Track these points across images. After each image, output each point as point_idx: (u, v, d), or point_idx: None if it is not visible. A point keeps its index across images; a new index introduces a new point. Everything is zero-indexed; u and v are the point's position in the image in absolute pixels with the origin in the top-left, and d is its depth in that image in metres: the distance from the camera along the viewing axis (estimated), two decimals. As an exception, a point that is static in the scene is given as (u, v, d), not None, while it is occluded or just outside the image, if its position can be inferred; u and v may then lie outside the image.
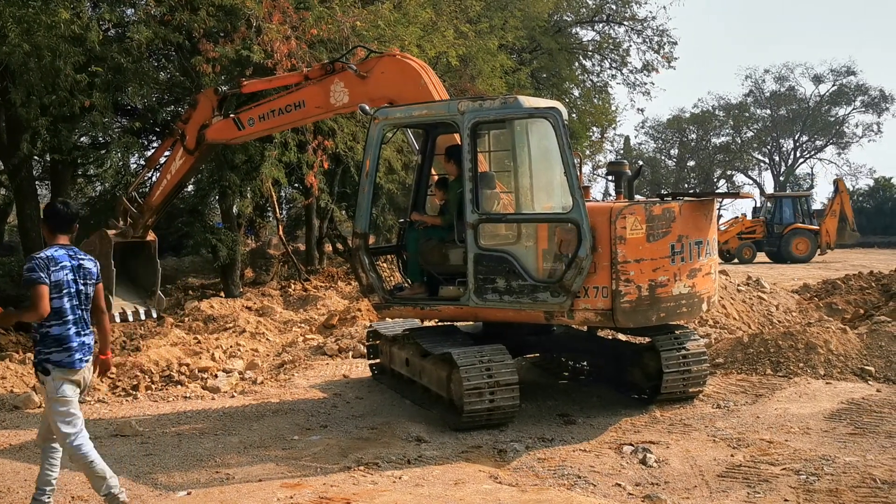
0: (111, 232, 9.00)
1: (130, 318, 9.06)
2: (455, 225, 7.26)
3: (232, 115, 8.51)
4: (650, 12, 45.11)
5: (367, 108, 7.54)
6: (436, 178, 8.32)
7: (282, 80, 8.96)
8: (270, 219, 24.57)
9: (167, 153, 9.26)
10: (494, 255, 6.90)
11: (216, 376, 9.29)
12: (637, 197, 7.94)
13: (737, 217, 31.64)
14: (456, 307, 7.22)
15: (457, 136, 8.02)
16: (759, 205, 31.92)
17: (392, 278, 11.70)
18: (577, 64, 27.83)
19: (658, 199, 7.05)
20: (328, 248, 24.22)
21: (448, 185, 7.78)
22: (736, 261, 28.19)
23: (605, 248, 6.53)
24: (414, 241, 7.83)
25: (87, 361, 4.92)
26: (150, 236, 9.34)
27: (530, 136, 7.39)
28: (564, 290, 6.60)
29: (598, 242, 6.52)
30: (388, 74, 7.78)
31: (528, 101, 7.10)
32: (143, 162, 10.46)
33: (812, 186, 56.88)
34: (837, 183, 30.70)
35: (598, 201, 8.53)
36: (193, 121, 8.70)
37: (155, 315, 9.51)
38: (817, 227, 28.51)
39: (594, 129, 29.00)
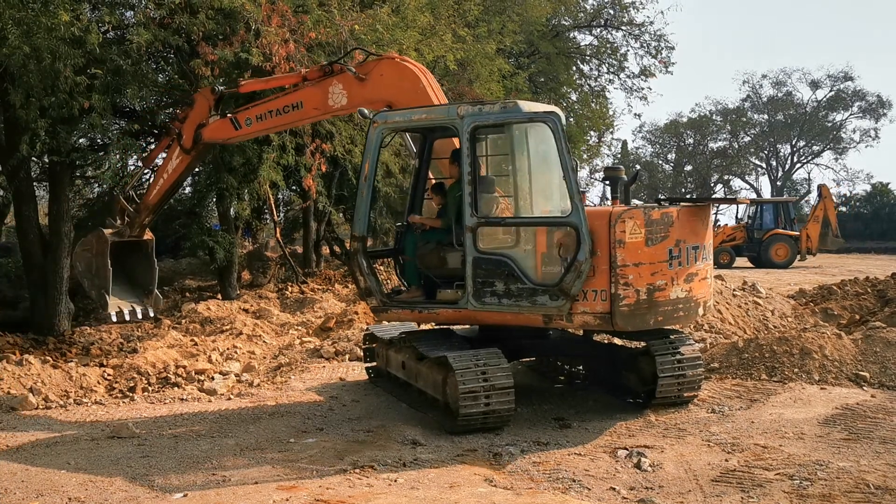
0: (108, 231, 9.03)
1: (127, 318, 9.10)
2: (453, 228, 7.29)
3: (229, 115, 8.52)
4: (648, 17, 45.34)
5: (366, 111, 7.56)
6: (433, 182, 8.35)
7: (279, 81, 8.96)
8: (268, 221, 24.57)
9: (164, 152, 9.28)
10: (493, 258, 6.93)
11: (213, 378, 9.30)
12: (634, 201, 7.98)
13: (717, 225, 31.50)
14: (454, 310, 7.24)
15: (455, 140, 8.07)
16: (741, 212, 31.83)
17: (389, 281, 11.72)
18: (574, 68, 27.93)
19: (656, 203, 7.09)
20: (325, 250, 24.25)
21: (445, 189, 7.81)
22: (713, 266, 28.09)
23: (604, 252, 6.56)
24: (412, 244, 7.85)
25: None
26: (147, 235, 9.37)
27: (529, 140, 7.42)
28: (563, 293, 6.63)
29: (597, 246, 6.55)
30: (387, 77, 7.80)
31: (528, 106, 7.13)
32: (140, 164, 10.50)
33: (809, 192, 57.00)
34: (821, 189, 30.77)
35: (595, 205, 8.57)
36: (190, 120, 8.72)
37: (152, 314, 9.53)
38: (797, 233, 28.51)
39: (592, 133, 29.11)
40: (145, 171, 10.86)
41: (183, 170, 8.93)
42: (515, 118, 7.07)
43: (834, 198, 34.01)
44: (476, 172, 6.99)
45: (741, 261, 28.81)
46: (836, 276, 19.95)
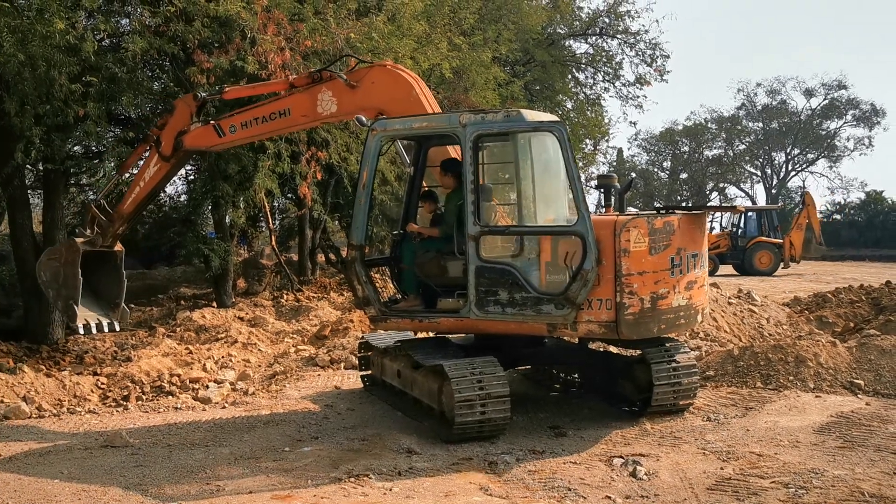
0: (79, 240, 8.78)
1: (94, 331, 8.85)
2: (455, 237, 7.27)
3: (212, 122, 8.36)
4: (643, 26, 45.24)
5: (364, 119, 7.48)
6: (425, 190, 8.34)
7: (266, 88, 8.85)
8: (263, 229, 24.51)
9: (142, 160, 9.01)
10: (497, 267, 6.90)
11: (207, 387, 9.27)
12: (629, 209, 8.00)
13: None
14: (455, 319, 7.19)
15: (450, 148, 8.06)
16: (725, 220, 31.86)
17: (384, 290, 11.70)
18: (570, 76, 27.96)
19: (655, 212, 7.11)
20: (321, 258, 24.20)
21: (436, 197, 7.80)
22: None
23: (609, 261, 6.59)
24: (410, 252, 7.81)
25: None
26: (118, 246, 9.12)
27: (532, 149, 7.40)
28: (569, 302, 6.63)
29: (602, 255, 6.58)
30: (379, 85, 7.73)
31: (532, 115, 7.15)
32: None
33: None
34: (804, 196, 30.91)
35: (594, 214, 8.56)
36: (170, 127, 8.52)
37: (118, 328, 9.27)
38: (781, 241, 28.61)
39: (587, 141, 29.08)
40: (120, 179, 10.50)
41: (161, 178, 8.71)
42: (519, 127, 7.06)
43: (829, 206, 34.18)
44: (478, 181, 6.96)
45: (725, 268, 28.89)
46: (831, 283, 19.99)
